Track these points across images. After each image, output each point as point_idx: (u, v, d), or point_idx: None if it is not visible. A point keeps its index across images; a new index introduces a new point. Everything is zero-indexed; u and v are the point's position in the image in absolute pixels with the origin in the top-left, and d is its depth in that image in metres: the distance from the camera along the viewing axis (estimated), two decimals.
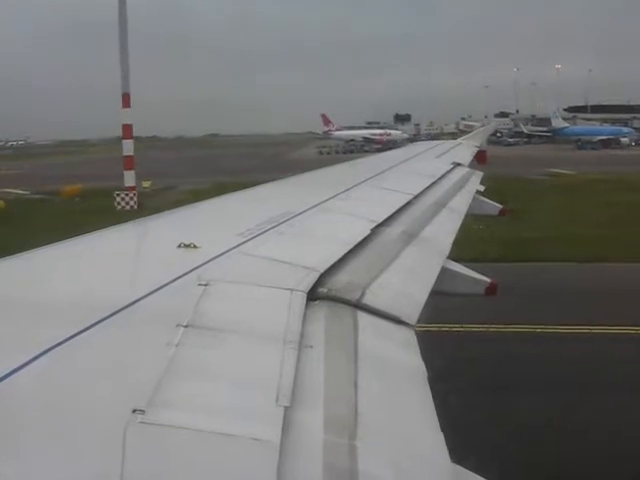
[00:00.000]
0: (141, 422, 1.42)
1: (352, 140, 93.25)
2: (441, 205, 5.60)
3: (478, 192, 7.65)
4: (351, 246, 3.29)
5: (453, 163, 9.03)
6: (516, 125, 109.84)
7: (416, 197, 5.46)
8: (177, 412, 1.51)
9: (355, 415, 1.67)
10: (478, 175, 8.98)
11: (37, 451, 1.33)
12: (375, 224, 3.94)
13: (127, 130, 24.04)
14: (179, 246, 2.85)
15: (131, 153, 24.01)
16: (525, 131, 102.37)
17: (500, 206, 7.94)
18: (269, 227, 3.45)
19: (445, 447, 1.65)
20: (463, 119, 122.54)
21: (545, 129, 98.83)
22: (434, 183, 6.69)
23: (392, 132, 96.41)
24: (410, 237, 4.03)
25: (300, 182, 6.75)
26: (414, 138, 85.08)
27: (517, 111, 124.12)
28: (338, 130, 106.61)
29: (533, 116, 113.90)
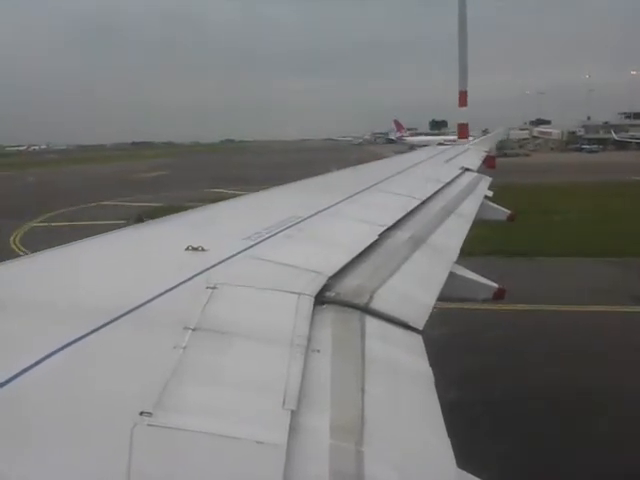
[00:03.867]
0: (148, 425, 1.42)
1: (425, 146, 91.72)
2: (449, 210, 5.59)
3: (486, 197, 7.64)
4: (359, 251, 3.29)
5: (462, 168, 9.03)
6: (587, 132, 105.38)
7: (424, 202, 5.45)
8: (184, 415, 1.51)
9: (362, 420, 1.66)
10: (487, 180, 8.97)
11: (44, 452, 1.33)
12: (383, 229, 3.94)
13: (463, 129, 24.54)
14: (187, 249, 2.85)
15: None
16: (616, 138, 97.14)
17: (508, 212, 7.95)
18: (277, 231, 3.46)
19: (452, 453, 1.65)
20: (537, 125, 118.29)
21: None
22: (443, 188, 6.68)
23: None
24: (418, 242, 4.02)
25: (308, 186, 6.75)
26: None
27: (588, 118, 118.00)
28: (411, 136, 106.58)
29: (606, 123, 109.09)
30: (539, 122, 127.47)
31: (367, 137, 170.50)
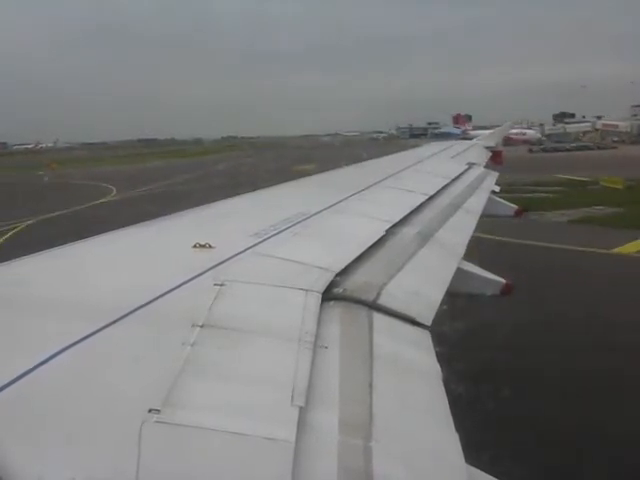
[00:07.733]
0: (156, 421, 1.43)
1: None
2: (456, 206, 5.57)
3: (493, 192, 7.61)
4: (366, 247, 3.29)
5: (468, 163, 9.00)
6: None
7: (431, 198, 5.44)
8: (192, 412, 1.51)
9: (370, 416, 1.66)
10: (493, 175, 8.93)
11: (53, 449, 1.34)
12: (390, 225, 3.93)
13: None
14: (194, 246, 2.86)
15: None
16: None
17: (515, 207, 7.91)
18: (284, 228, 3.46)
19: (460, 448, 1.64)
20: (599, 118, 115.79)
21: None
22: (449, 184, 6.66)
23: (527, 132, 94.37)
24: (425, 238, 4.01)
25: (314, 183, 6.74)
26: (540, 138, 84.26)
27: None
28: (474, 130, 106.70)
29: None
30: (563, 116, 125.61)
31: (393, 132, 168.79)
